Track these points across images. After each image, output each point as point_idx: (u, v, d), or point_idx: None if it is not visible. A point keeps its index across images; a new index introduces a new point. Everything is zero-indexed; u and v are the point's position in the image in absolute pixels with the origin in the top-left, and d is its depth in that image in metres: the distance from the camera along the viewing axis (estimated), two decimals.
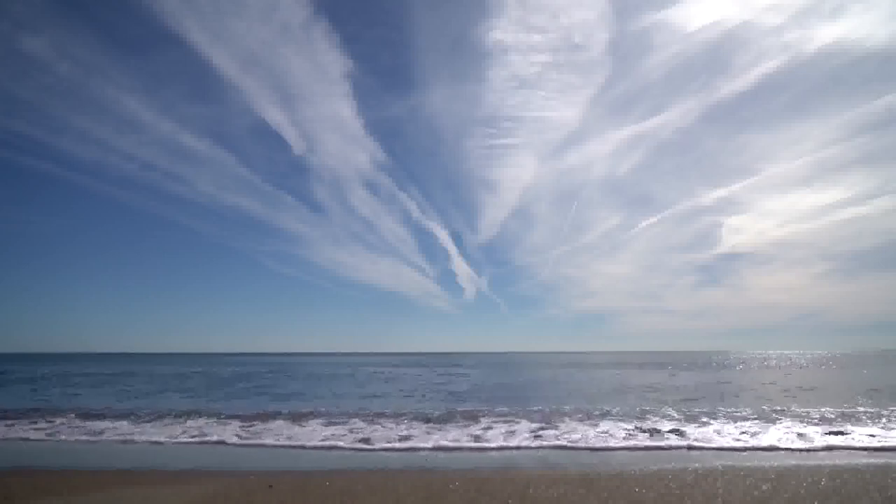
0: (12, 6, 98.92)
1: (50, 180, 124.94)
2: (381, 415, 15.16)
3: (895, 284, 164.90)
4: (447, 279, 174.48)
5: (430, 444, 10.77)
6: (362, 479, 7.65)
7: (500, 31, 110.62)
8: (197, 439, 11.72)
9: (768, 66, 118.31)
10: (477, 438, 11.28)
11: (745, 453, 9.81)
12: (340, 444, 11.03)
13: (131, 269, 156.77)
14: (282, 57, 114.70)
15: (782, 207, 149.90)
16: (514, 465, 9.00)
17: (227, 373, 45.00)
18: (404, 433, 11.96)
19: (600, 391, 24.31)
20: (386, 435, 11.79)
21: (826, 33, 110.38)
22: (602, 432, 11.80)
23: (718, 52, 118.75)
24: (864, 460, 8.96)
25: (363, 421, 13.92)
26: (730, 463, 8.62)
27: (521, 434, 11.66)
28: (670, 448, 10.33)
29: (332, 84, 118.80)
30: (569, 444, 10.68)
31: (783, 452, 9.91)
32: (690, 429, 12.22)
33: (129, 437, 11.96)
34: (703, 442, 10.73)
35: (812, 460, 8.97)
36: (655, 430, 12.10)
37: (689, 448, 10.30)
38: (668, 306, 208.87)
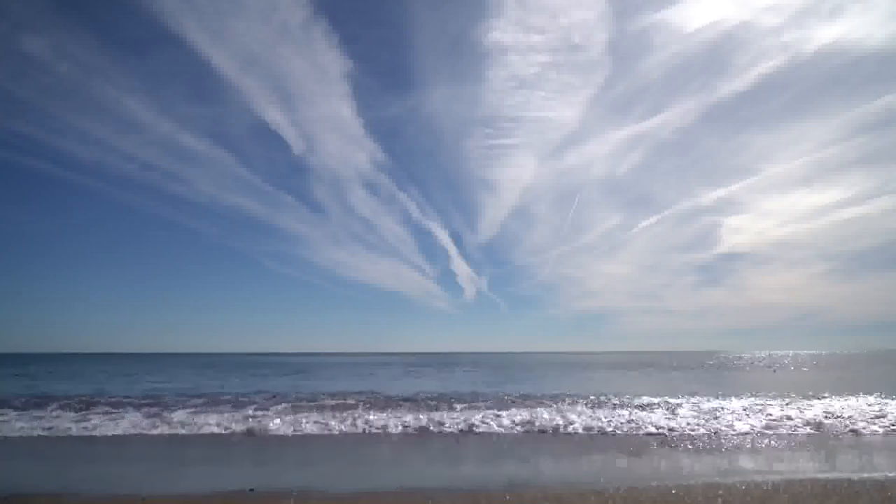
0: (12, 6, 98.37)
1: (50, 180, 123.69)
2: None
3: (895, 284, 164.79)
4: (447, 279, 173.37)
5: None
6: None
7: (500, 32, 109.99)
8: None
9: (767, 66, 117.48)
10: None
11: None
12: None
13: (131, 269, 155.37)
14: (281, 57, 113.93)
15: (782, 207, 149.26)
16: None
17: None
18: None
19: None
20: None
21: (825, 33, 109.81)
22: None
23: (717, 53, 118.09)
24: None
25: None
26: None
27: None
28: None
29: (332, 84, 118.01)
30: None
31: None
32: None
33: None
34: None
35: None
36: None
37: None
38: (668, 306, 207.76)
